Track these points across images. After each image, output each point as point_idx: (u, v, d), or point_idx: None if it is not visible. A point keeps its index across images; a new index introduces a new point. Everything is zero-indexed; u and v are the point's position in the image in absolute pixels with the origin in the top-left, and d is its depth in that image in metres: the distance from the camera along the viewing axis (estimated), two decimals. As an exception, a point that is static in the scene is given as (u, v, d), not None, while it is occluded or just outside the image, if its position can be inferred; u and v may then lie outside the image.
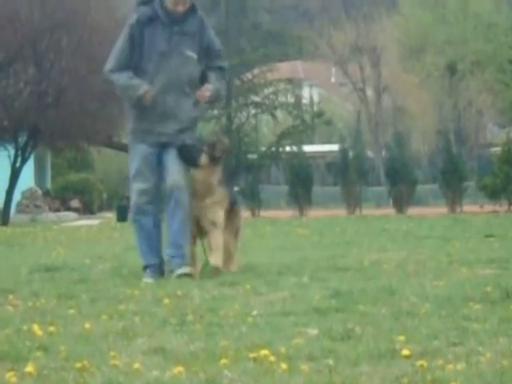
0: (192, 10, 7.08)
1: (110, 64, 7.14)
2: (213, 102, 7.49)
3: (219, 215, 7.17)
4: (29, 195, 30.34)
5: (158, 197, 7.23)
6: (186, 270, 6.88)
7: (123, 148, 36.56)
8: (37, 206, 30.10)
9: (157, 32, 7.03)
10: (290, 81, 33.66)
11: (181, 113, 7.11)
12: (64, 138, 26.50)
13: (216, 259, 7.06)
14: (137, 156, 7.15)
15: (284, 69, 36.66)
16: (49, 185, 36.60)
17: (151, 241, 7.18)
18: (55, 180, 38.00)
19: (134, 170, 7.17)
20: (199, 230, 7.23)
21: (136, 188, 7.16)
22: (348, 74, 48.72)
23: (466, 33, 45.01)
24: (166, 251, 7.10)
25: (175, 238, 7.04)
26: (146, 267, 7.09)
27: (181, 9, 7.00)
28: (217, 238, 7.12)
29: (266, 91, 31.72)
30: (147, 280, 6.81)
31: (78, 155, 36.99)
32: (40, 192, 31.31)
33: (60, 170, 39.41)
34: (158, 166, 7.12)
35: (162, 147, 7.12)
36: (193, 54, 7.08)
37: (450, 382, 3.09)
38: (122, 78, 7.05)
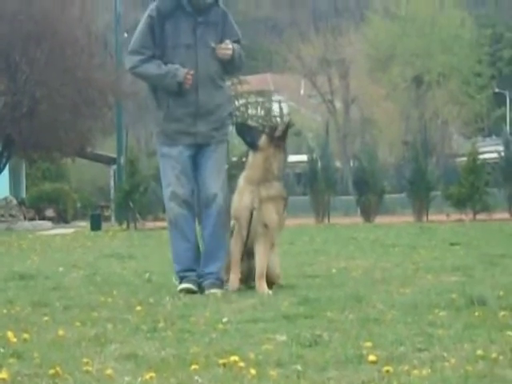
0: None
1: (132, 60, 6.57)
2: (235, 65, 6.63)
3: (273, 217, 6.38)
4: (4, 205, 30.45)
5: (193, 203, 6.55)
6: (217, 291, 6.30)
7: (96, 158, 36.83)
8: (12, 216, 30.15)
9: (180, 23, 6.49)
10: (260, 93, 33.75)
11: (216, 109, 6.52)
12: (38, 149, 26.60)
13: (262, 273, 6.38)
14: (170, 161, 6.48)
15: (254, 81, 36.78)
16: (24, 194, 36.86)
17: (189, 247, 6.53)
18: (30, 190, 38.27)
19: (169, 176, 6.50)
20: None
21: (170, 193, 6.49)
22: (317, 86, 49.10)
23: (432, 46, 45.50)
24: (200, 268, 6.51)
25: (211, 252, 6.51)
26: (181, 277, 6.49)
27: None
28: (266, 247, 6.37)
29: (237, 103, 31.75)
30: (185, 285, 6.36)
31: (52, 165, 37.13)
32: (15, 201, 31.42)
33: (35, 180, 39.65)
34: (194, 171, 6.55)
35: (198, 149, 6.53)
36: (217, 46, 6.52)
37: (416, 387, 3.13)
38: (152, 68, 6.47)
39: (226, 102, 6.70)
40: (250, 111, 32.38)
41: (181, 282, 6.53)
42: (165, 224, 6.73)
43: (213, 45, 6.53)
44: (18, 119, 24.98)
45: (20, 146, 25.90)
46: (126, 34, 28.47)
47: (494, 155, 26.98)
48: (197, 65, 6.47)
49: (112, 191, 33.55)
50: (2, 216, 29.84)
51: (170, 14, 6.51)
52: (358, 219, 25.55)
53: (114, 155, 32.34)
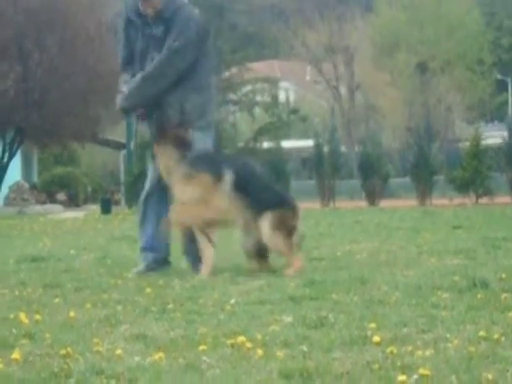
0: (162, 12, 6.65)
1: (120, 64, 7.02)
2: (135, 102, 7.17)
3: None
4: (16, 189, 30.77)
5: (155, 187, 6.99)
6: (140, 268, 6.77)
7: (107, 143, 37.16)
8: (24, 199, 30.46)
9: (133, 33, 6.83)
10: (266, 79, 33.89)
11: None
12: (49, 135, 26.88)
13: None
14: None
15: (261, 68, 36.95)
16: (35, 179, 37.20)
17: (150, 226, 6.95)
18: (42, 174, 38.61)
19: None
20: None
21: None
22: (322, 72, 49.14)
23: (437, 33, 45.44)
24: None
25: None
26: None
27: (150, 11, 6.65)
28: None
29: (244, 90, 31.81)
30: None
31: (64, 150, 37.52)
32: (27, 186, 31.75)
33: (46, 165, 40.02)
34: None
35: None
36: None
37: (419, 368, 3.16)
38: (120, 84, 6.94)
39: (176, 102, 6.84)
40: (256, 97, 32.42)
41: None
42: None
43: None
44: (29, 106, 25.28)
45: (31, 132, 26.21)
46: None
47: (496, 140, 27.03)
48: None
49: (122, 175, 33.74)
50: (14, 200, 30.17)
51: (128, 23, 6.82)
52: (363, 203, 25.61)
53: (124, 140, 32.54)
